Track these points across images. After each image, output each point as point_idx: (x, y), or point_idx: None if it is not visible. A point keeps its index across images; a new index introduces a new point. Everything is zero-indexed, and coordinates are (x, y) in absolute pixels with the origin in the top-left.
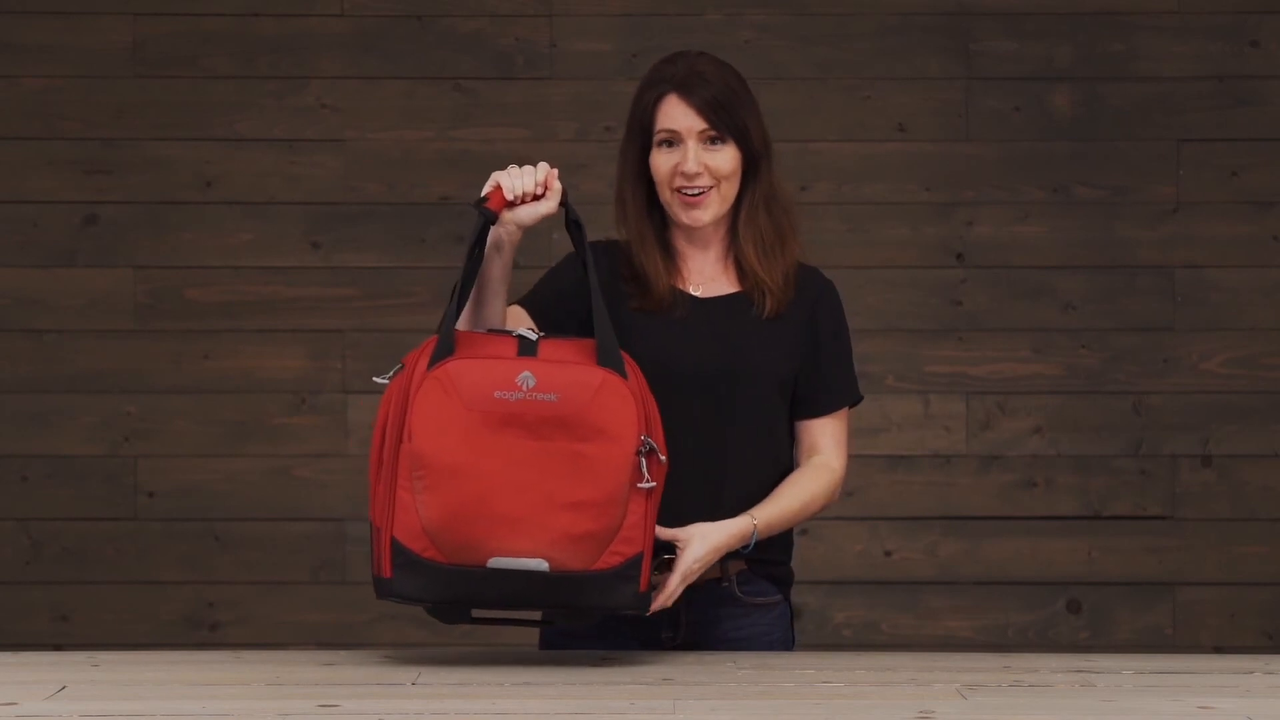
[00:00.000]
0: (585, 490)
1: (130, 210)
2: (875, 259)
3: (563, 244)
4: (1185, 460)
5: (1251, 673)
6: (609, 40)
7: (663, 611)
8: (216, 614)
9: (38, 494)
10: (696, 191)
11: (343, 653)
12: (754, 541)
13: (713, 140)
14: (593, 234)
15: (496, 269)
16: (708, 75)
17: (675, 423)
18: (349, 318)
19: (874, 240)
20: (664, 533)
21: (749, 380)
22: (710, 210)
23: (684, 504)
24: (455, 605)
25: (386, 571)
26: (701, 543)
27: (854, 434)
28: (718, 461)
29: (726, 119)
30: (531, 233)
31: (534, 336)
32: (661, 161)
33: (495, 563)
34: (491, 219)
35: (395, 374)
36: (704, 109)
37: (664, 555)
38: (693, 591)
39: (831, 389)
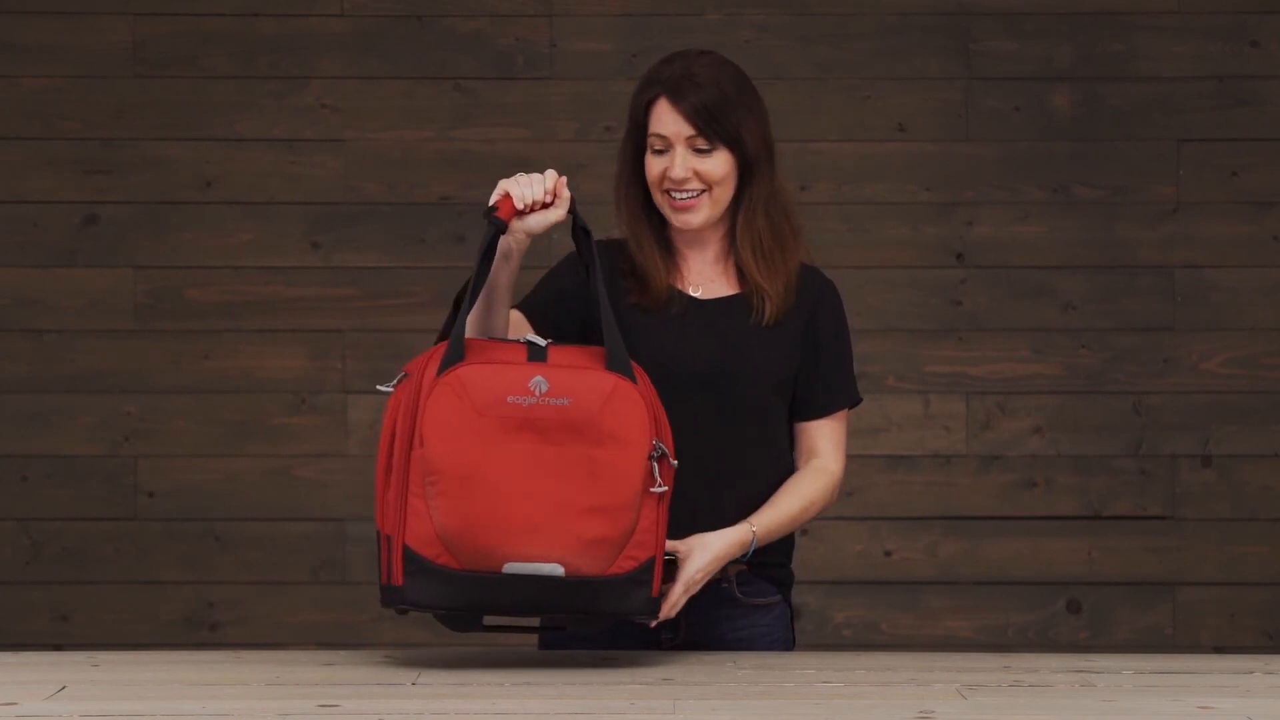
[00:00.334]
0: (600, 495)
1: (130, 210)
2: (875, 259)
3: (563, 244)
4: (1185, 460)
5: (1251, 673)
6: (609, 40)
7: None
8: (216, 614)
9: (38, 494)
10: (685, 195)
11: (343, 653)
12: (753, 549)
13: (701, 148)
14: (594, 234)
15: (504, 276)
16: (701, 79)
17: (672, 422)
18: (349, 318)
19: (874, 240)
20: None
21: (746, 381)
22: (699, 214)
23: (681, 505)
24: (468, 612)
25: (398, 579)
26: (703, 553)
27: (854, 434)
28: (715, 462)
29: (715, 126)
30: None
31: (542, 343)
32: (653, 165)
33: (510, 568)
34: (502, 228)
35: (399, 382)
36: (692, 116)
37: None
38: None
39: (830, 391)
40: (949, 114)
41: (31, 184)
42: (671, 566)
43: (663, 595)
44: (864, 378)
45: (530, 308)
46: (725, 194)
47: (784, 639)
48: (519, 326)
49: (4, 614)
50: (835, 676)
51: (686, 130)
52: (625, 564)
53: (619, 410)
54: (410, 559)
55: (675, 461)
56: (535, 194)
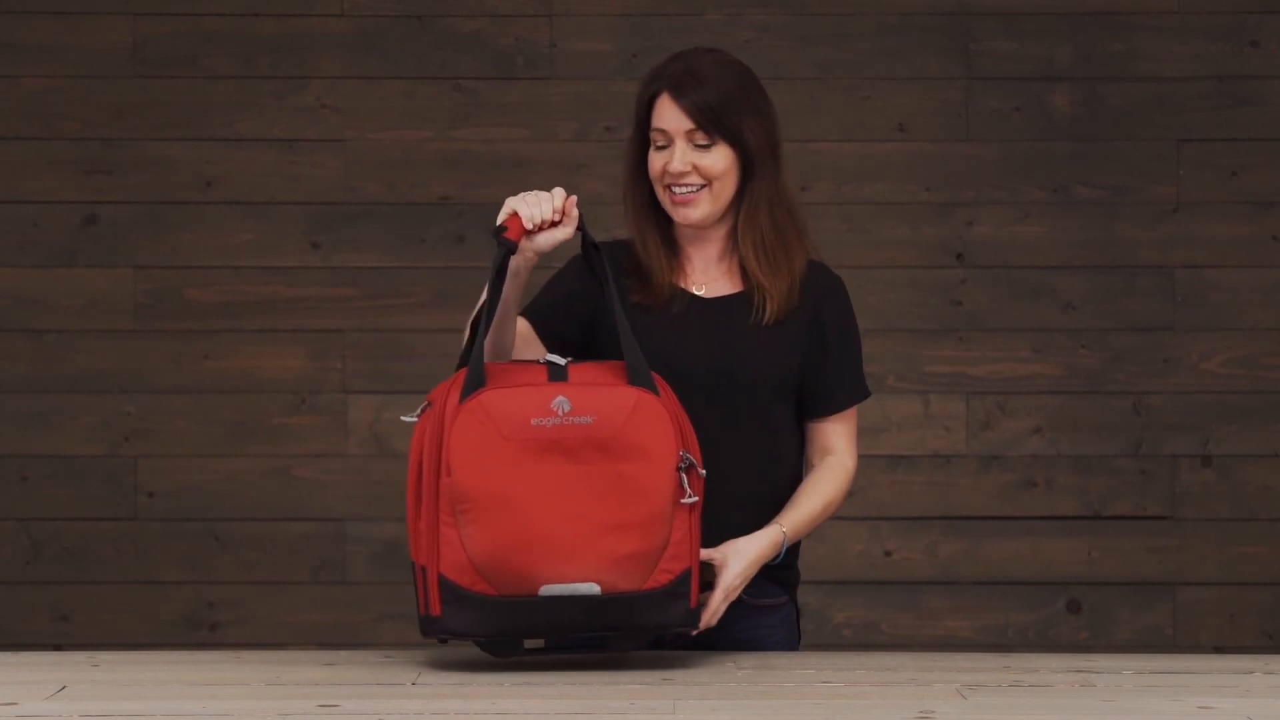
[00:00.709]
0: (630, 510)
1: (130, 210)
2: (875, 259)
3: (565, 247)
4: (1185, 460)
5: (1251, 673)
6: (609, 40)
7: None
8: (216, 614)
9: (38, 494)
10: (685, 190)
11: (343, 653)
12: (784, 550)
13: (701, 144)
14: (595, 234)
15: (512, 293)
16: (704, 75)
17: None
18: (349, 318)
19: (874, 240)
20: (700, 554)
21: (748, 382)
22: (699, 210)
23: None
24: (508, 637)
25: (435, 609)
26: (738, 559)
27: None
28: (722, 464)
29: (716, 121)
30: None
31: (562, 361)
32: (654, 160)
33: (547, 590)
34: (512, 249)
35: (423, 411)
36: (692, 111)
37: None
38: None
39: (841, 389)
40: (949, 114)
41: (31, 184)
42: (705, 574)
43: (701, 605)
44: (865, 377)
45: (534, 315)
46: (726, 190)
47: (789, 641)
48: (524, 336)
49: (4, 614)
50: (835, 676)
51: (686, 124)
52: (661, 577)
53: (643, 424)
54: (446, 588)
55: (703, 471)
56: (544, 213)
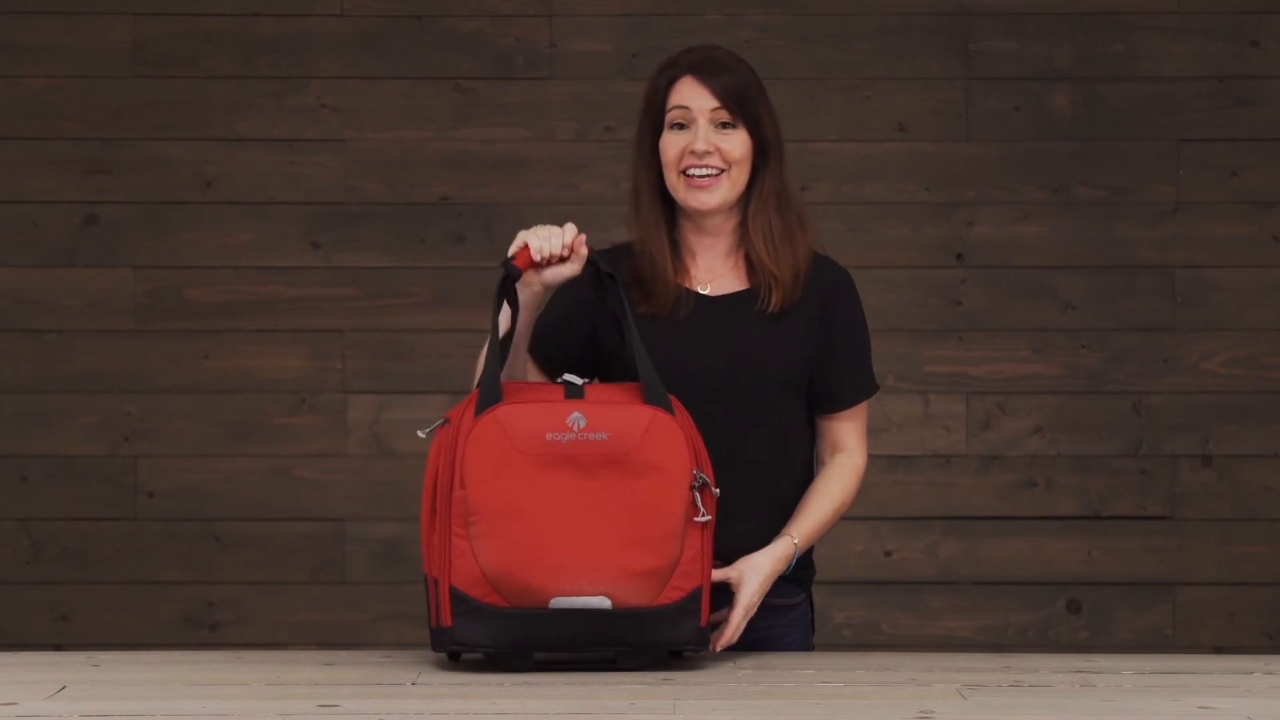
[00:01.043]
0: (642, 527)
1: (130, 210)
2: (875, 259)
3: None
4: (1185, 460)
5: (1251, 673)
6: (609, 40)
7: None
8: (216, 614)
9: (38, 494)
10: (705, 174)
11: (343, 653)
12: (795, 561)
13: (725, 123)
14: (593, 234)
15: (524, 326)
16: (724, 62)
17: None
18: (349, 318)
19: (874, 240)
20: (716, 574)
21: (758, 379)
22: (717, 194)
23: None
24: (518, 649)
25: (447, 621)
26: (754, 575)
27: None
28: (733, 465)
29: (739, 103)
30: None
31: (579, 382)
32: (671, 143)
33: (557, 603)
34: (516, 275)
35: (438, 427)
36: (718, 90)
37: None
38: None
39: (851, 385)
40: (949, 114)
41: (31, 184)
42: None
43: (712, 625)
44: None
45: (534, 344)
46: (741, 178)
47: (802, 640)
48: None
49: (4, 614)
50: (835, 676)
51: (711, 103)
52: (672, 594)
53: (658, 442)
54: (458, 600)
55: (717, 490)
56: (553, 248)
